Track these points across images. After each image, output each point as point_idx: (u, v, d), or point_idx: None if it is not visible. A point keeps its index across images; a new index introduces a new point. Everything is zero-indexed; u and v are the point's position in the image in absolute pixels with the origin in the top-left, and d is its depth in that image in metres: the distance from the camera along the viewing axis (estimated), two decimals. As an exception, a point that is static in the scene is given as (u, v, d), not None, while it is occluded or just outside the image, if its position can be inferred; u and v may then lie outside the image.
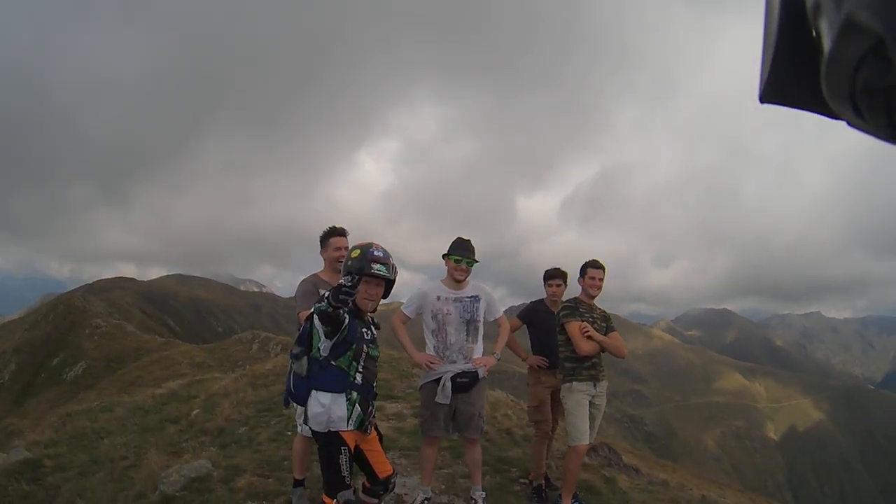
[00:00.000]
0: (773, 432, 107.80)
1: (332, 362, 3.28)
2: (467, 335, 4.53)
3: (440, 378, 4.42)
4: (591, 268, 4.93)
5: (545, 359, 5.41)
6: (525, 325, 5.63)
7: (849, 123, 0.97)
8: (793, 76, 0.98)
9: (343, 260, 3.97)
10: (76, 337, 30.74)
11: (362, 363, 3.35)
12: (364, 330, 3.42)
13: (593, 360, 4.85)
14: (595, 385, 4.82)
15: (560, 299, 5.41)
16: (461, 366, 4.46)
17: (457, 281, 4.58)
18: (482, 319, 4.65)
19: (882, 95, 0.94)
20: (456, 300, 4.56)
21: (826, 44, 0.96)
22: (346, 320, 3.26)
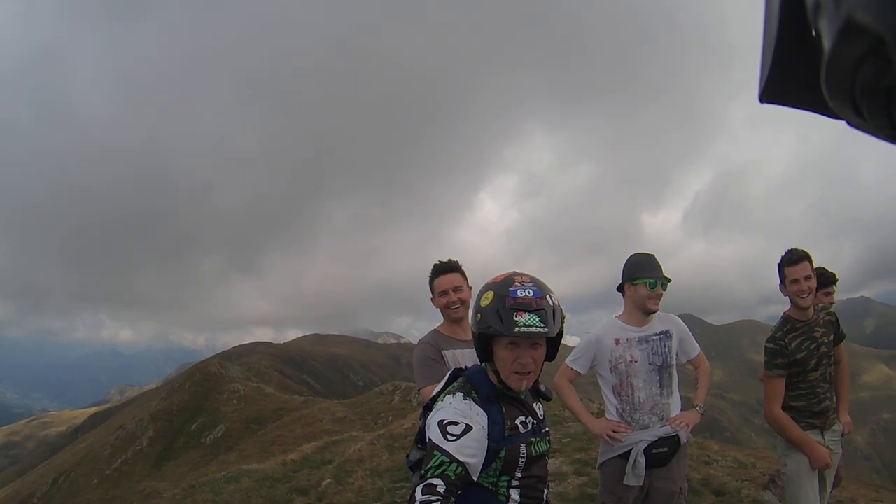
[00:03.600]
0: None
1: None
2: (661, 387, 3.33)
3: (629, 451, 3.25)
4: (788, 265, 3.52)
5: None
6: None
7: (849, 123, 0.96)
8: (793, 76, 0.99)
9: (454, 306, 3.08)
10: (214, 402, 30.90)
11: (519, 474, 2.09)
12: (521, 420, 2.12)
13: (822, 401, 3.57)
14: (823, 433, 3.59)
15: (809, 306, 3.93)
16: (656, 430, 3.27)
17: (649, 313, 3.35)
18: (675, 362, 3.42)
19: (882, 95, 0.94)
20: (641, 340, 3.34)
21: (826, 44, 0.96)
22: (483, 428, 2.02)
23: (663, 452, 3.26)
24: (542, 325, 1.99)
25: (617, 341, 3.33)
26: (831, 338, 3.62)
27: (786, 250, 3.57)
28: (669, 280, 3.38)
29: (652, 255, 3.44)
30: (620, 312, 3.46)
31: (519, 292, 2.02)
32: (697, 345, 3.57)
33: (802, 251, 3.52)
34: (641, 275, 3.33)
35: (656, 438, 3.24)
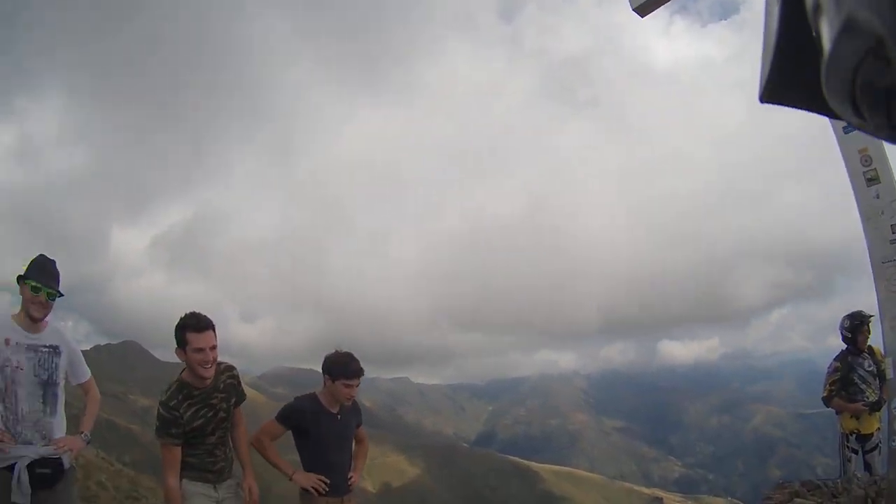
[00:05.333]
0: (371, 486, 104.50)
1: None
2: (44, 403, 3.31)
3: (14, 466, 3.16)
4: (193, 331, 3.28)
5: (323, 479, 3.63)
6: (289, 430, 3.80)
7: (849, 123, 0.97)
8: (793, 76, 0.99)
9: None
10: None
11: None
12: None
13: (217, 462, 3.45)
14: (216, 487, 3.44)
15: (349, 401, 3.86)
16: (39, 449, 3.24)
17: (32, 319, 3.29)
18: (62, 381, 3.42)
19: (882, 95, 0.94)
20: (30, 348, 3.28)
21: (826, 44, 0.96)
22: None
23: (46, 473, 3.22)
24: None
25: (7, 341, 3.24)
26: (232, 401, 3.50)
27: (188, 313, 3.30)
28: (60, 294, 3.36)
29: (52, 261, 3.41)
30: (17, 311, 3.36)
31: None
32: (88, 370, 3.62)
33: (208, 318, 3.29)
34: (31, 275, 3.29)
35: (39, 457, 3.21)
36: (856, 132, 3.94)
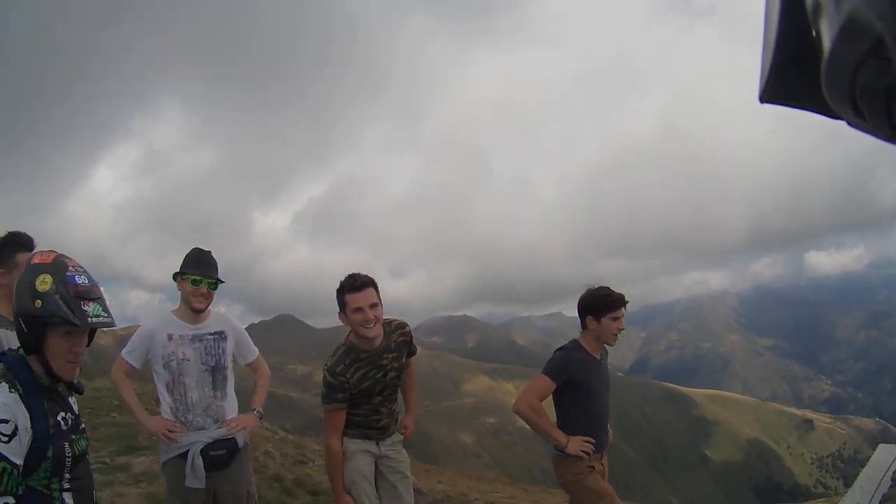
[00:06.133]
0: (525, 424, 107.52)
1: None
2: (214, 388, 3.33)
3: (187, 452, 3.21)
4: (350, 292, 3.12)
5: (591, 440, 3.32)
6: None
7: (849, 123, 0.97)
8: (793, 76, 0.98)
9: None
10: None
11: (68, 475, 2.00)
12: (62, 416, 2.03)
13: (381, 419, 3.32)
14: (379, 444, 3.34)
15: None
16: (212, 432, 3.27)
17: (195, 311, 3.32)
18: (231, 364, 3.45)
19: (882, 95, 0.94)
20: (195, 339, 3.32)
21: (826, 44, 0.95)
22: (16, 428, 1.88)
23: (221, 455, 3.26)
24: (107, 314, 2.00)
25: (170, 336, 3.27)
26: (403, 359, 3.34)
27: (347, 275, 3.17)
28: (220, 281, 3.37)
29: (208, 252, 3.40)
30: (177, 307, 3.41)
31: (77, 279, 1.97)
32: (256, 349, 3.63)
33: (366, 276, 3.15)
34: (188, 270, 3.30)
35: (212, 440, 3.25)
36: None
